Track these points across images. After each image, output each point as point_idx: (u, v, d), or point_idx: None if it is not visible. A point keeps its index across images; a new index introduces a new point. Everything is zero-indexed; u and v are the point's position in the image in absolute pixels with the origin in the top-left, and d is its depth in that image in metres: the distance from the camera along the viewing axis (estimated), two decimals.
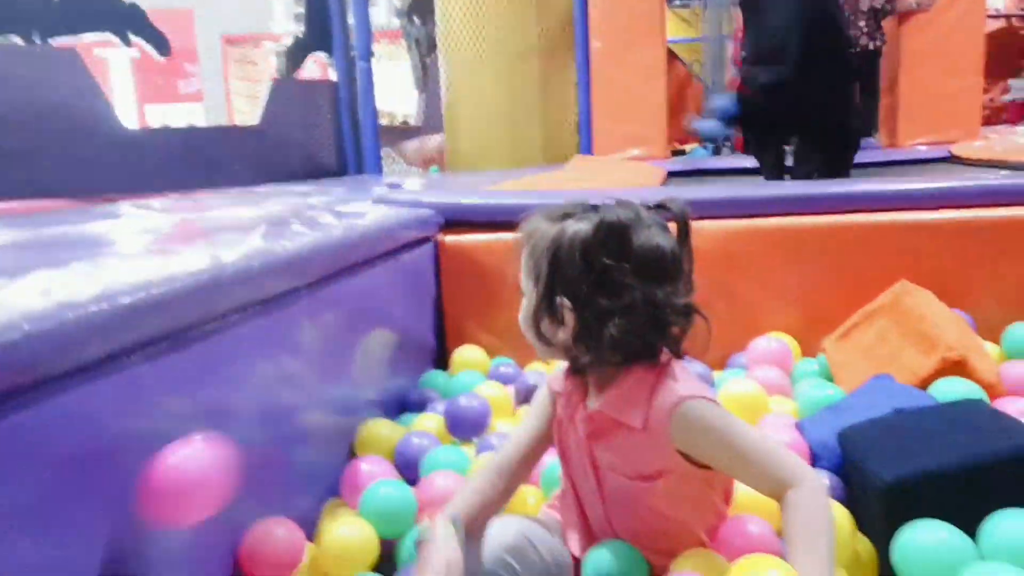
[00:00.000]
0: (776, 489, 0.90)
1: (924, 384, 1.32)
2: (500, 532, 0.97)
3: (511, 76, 6.05)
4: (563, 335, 0.93)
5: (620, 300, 0.89)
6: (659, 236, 0.92)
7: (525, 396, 1.62)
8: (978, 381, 1.31)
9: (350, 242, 1.48)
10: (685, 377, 0.94)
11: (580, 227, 0.92)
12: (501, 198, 1.94)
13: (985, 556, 0.87)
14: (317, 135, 5.73)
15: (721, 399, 1.45)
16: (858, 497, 1.06)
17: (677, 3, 10.26)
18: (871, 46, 5.10)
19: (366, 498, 1.19)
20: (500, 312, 1.89)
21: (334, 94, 5.80)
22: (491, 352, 1.86)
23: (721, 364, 1.74)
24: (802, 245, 1.78)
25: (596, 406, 0.96)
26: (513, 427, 1.44)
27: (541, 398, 1.07)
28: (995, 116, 13.11)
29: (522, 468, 1.08)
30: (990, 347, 1.55)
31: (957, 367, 1.31)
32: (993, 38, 10.99)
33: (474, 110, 6.24)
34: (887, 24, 5.20)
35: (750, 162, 3.97)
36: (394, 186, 3.43)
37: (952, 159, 4.45)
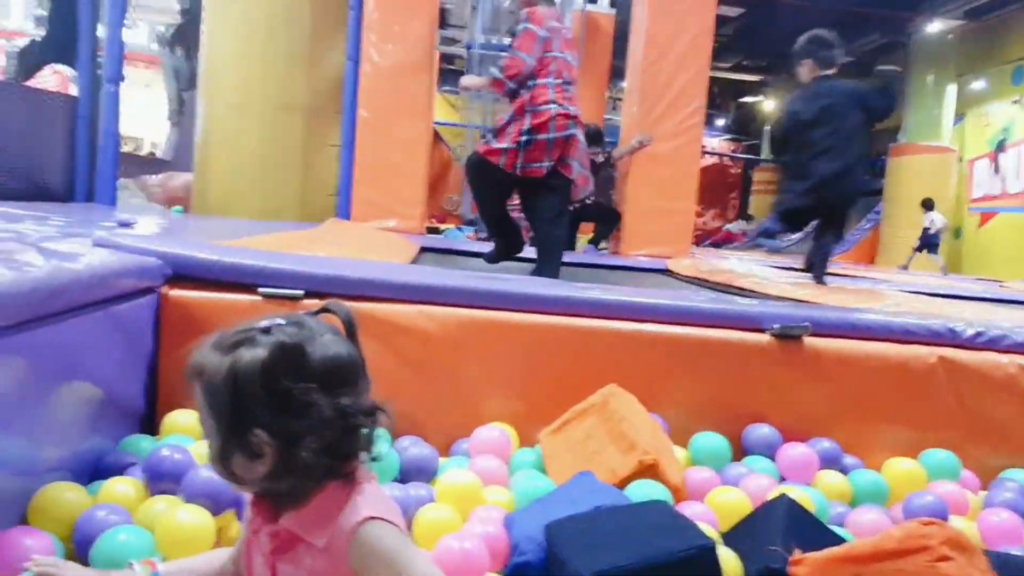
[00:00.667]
0: None
1: (622, 483, 1.45)
2: None
3: (274, 126, 5.91)
4: (262, 468, 0.89)
5: (310, 419, 0.88)
6: (334, 344, 0.92)
7: None
8: (666, 483, 1.46)
9: (55, 286, 1.32)
10: (375, 497, 0.93)
11: (255, 353, 0.88)
12: (239, 256, 1.84)
13: None
14: (45, 152, 5.11)
15: (440, 488, 1.48)
16: None
17: (446, 88, 10.74)
18: None
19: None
20: None
21: (72, 110, 5.25)
22: None
23: (446, 449, 1.77)
24: (529, 340, 1.88)
25: (284, 523, 0.93)
26: None
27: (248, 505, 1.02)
28: (706, 236, 15.20)
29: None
30: (679, 451, 1.75)
31: (650, 469, 1.46)
32: (706, 172, 12.78)
33: (230, 154, 5.97)
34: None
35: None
36: (124, 223, 3.14)
37: (667, 272, 5.05)
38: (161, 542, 1.23)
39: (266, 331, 0.91)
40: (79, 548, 1.25)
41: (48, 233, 2.28)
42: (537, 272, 3.42)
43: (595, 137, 5.89)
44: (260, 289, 1.77)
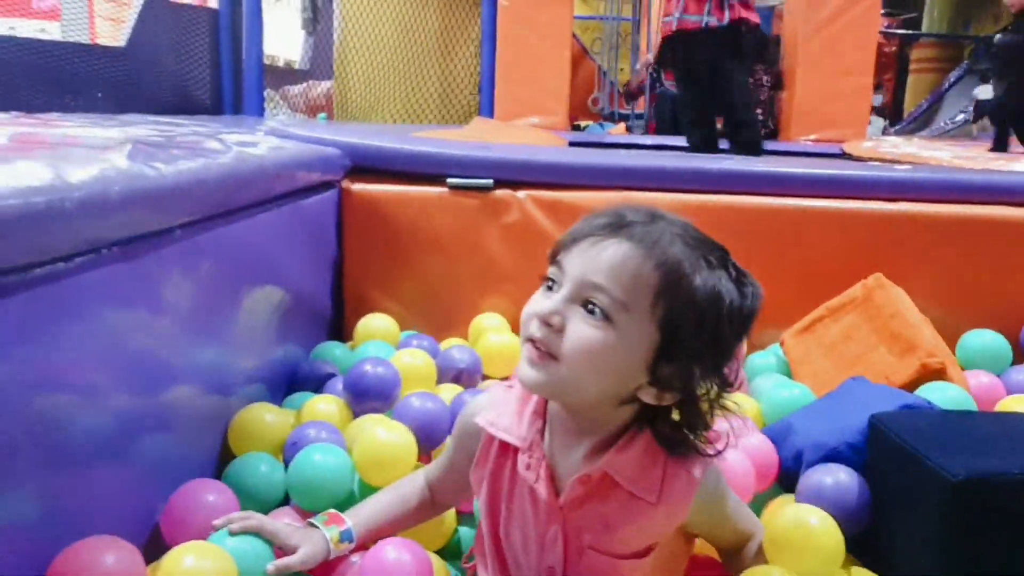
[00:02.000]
0: (737, 544, 0.88)
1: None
2: None
3: (410, 26, 5.73)
4: (648, 397, 0.73)
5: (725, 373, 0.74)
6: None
7: (453, 376, 1.38)
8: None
9: (241, 176, 1.17)
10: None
11: (730, 288, 0.72)
12: (423, 145, 1.66)
13: None
14: (192, 66, 5.15)
15: None
16: (894, 496, 0.89)
17: None
18: None
19: None
20: (412, 278, 1.63)
21: (214, 22, 5.24)
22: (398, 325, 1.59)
23: None
24: (738, 223, 1.61)
25: (594, 468, 0.75)
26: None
27: (468, 433, 0.85)
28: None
29: (444, 500, 0.94)
30: None
31: (936, 375, 1.18)
32: None
33: (368, 58, 5.87)
34: None
35: (648, 140, 3.85)
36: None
37: (844, 155, 4.53)
38: (360, 463, 1.07)
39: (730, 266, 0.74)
40: None
41: (213, 131, 2.19)
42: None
43: (762, 45, 4.71)
44: (449, 180, 1.58)
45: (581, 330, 0.69)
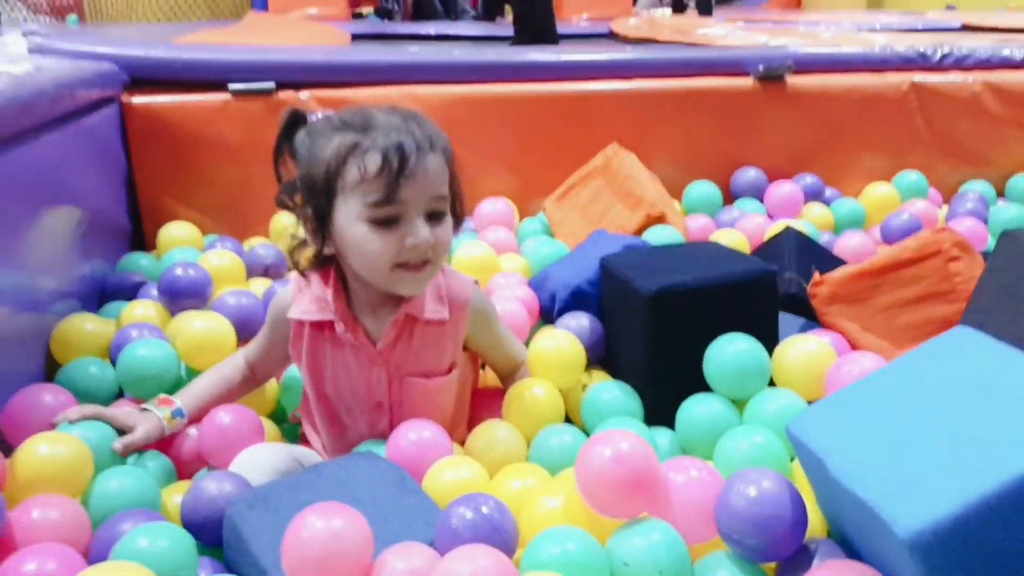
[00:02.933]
0: (512, 367, 1.12)
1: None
2: (268, 455, 0.96)
3: None
4: None
5: None
6: None
7: (262, 271, 1.52)
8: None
9: (19, 101, 1.20)
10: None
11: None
12: (201, 52, 1.70)
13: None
14: None
15: (456, 264, 1.50)
16: (617, 315, 1.17)
17: None
18: None
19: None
20: (206, 185, 1.71)
21: None
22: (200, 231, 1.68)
23: None
24: (517, 111, 1.84)
25: (399, 312, 0.97)
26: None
27: (280, 321, 1.03)
28: None
29: (264, 374, 1.12)
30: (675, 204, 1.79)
31: (658, 221, 1.49)
32: None
33: None
34: None
35: (425, 29, 3.94)
36: (33, 35, 2.83)
37: (611, 35, 4.87)
38: (184, 352, 1.20)
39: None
40: None
41: None
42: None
43: None
44: (231, 85, 1.65)
45: (444, 234, 0.93)
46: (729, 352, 1.01)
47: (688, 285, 1.06)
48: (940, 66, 2.07)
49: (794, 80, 1.97)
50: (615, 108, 1.89)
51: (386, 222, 0.90)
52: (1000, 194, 2.03)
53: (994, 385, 0.67)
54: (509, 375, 1.14)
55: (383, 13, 6.57)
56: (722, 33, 3.55)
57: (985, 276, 0.98)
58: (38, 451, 0.91)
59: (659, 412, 1.06)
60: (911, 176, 1.98)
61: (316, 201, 0.92)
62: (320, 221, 0.93)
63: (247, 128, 1.69)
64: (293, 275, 1.02)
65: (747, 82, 1.96)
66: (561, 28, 5.15)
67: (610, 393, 1.08)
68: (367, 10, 7.07)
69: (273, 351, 1.07)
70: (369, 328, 0.99)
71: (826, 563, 0.70)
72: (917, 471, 0.62)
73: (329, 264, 0.98)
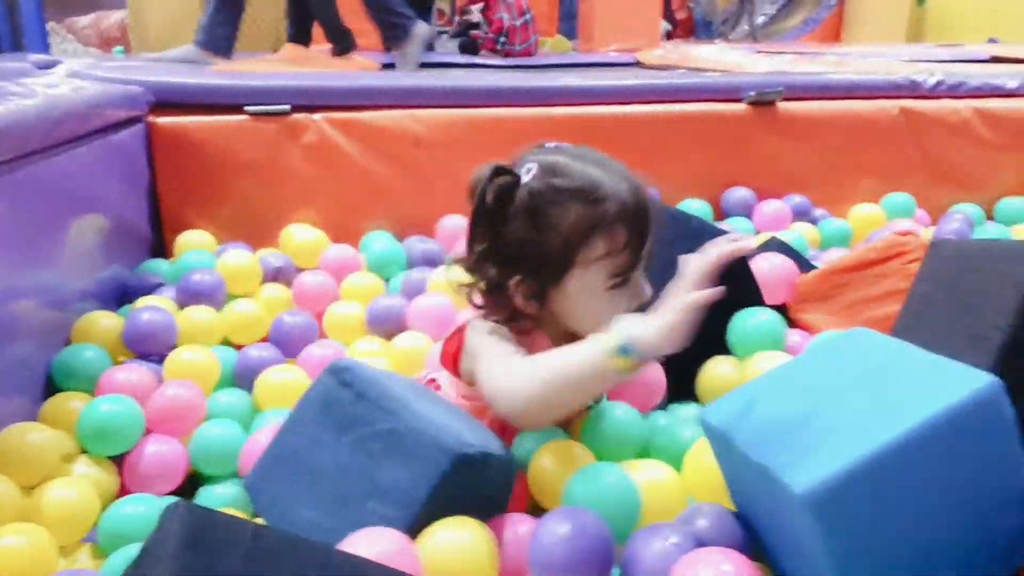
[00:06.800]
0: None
1: None
2: None
3: None
4: None
5: None
6: None
7: (272, 275, 1.62)
8: None
9: (53, 118, 1.34)
10: None
11: None
12: (220, 78, 1.84)
13: None
14: None
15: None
16: None
17: None
18: None
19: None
20: (224, 200, 1.83)
21: None
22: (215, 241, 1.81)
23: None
24: (514, 133, 1.94)
25: None
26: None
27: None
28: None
29: None
30: None
31: None
32: None
33: None
34: None
35: (463, 59, 4.09)
36: (45, 66, 3.03)
37: (638, 64, 4.99)
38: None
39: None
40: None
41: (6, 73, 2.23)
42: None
43: None
44: (247, 108, 1.79)
45: None
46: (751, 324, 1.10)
47: None
48: (932, 93, 2.13)
49: (785, 106, 2.05)
50: (612, 132, 1.99)
51: (623, 284, 0.91)
52: (990, 217, 2.07)
53: (883, 370, 0.73)
54: None
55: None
56: (740, 62, 3.65)
57: (913, 284, 1.04)
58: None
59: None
60: (899, 197, 2.03)
61: (545, 270, 0.89)
62: (542, 289, 0.91)
63: (262, 147, 1.82)
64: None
65: (740, 107, 2.05)
66: (590, 58, 5.31)
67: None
68: None
69: None
70: None
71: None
72: (812, 440, 0.68)
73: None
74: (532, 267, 0.90)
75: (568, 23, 6.28)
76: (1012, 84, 2.16)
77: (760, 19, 8.53)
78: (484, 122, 1.94)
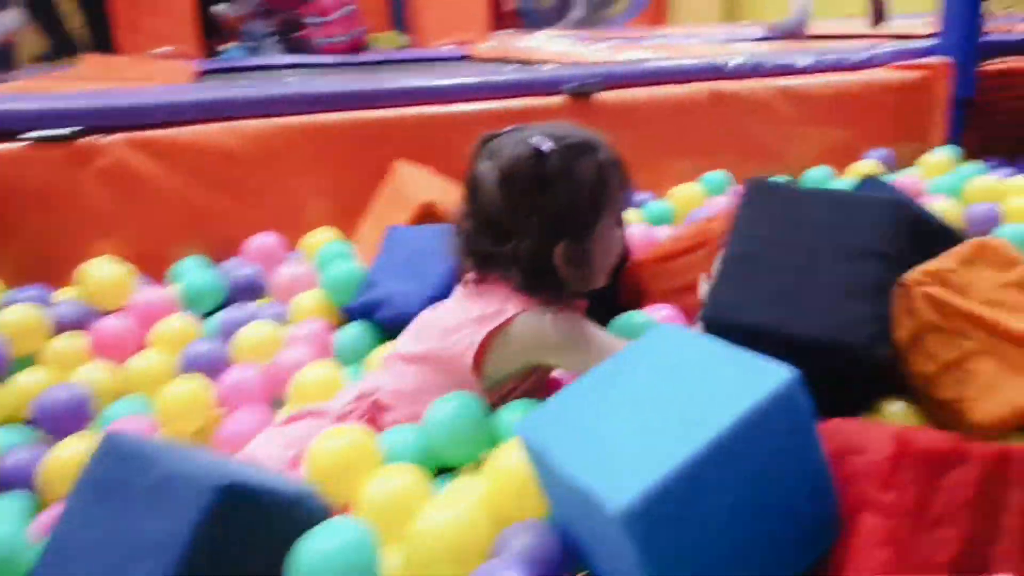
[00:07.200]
0: None
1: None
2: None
3: None
4: None
5: None
6: None
7: (66, 324, 1.44)
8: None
9: None
10: None
11: None
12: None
13: None
14: None
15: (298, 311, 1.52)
16: None
17: None
18: None
19: None
20: (9, 240, 1.66)
21: None
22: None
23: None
24: (339, 139, 1.88)
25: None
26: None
27: None
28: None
29: None
30: None
31: (428, 208, 1.53)
32: None
33: None
34: None
35: (289, 59, 3.94)
36: None
37: (469, 57, 4.98)
38: None
39: None
40: None
41: None
42: None
43: None
44: (25, 135, 1.62)
45: None
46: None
47: None
48: (735, 74, 2.24)
49: (603, 96, 2.10)
50: (434, 132, 1.96)
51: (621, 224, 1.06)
52: None
53: (687, 370, 0.73)
54: None
55: (249, 47, 6.45)
56: (566, 51, 3.72)
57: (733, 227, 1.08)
58: None
59: None
60: (716, 175, 2.13)
61: (584, 228, 0.98)
62: (586, 249, 0.99)
63: (49, 177, 1.66)
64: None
65: (559, 100, 2.07)
66: (421, 53, 5.27)
67: None
68: (225, 47, 6.94)
69: None
70: None
71: None
72: (623, 453, 0.67)
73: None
74: (573, 228, 0.97)
75: (399, 18, 6.20)
76: (803, 62, 2.30)
77: (582, 9, 8.77)
78: (304, 130, 1.86)
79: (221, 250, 1.76)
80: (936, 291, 0.96)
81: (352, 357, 1.35)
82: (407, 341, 1.07)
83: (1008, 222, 1.77)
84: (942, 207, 1.75)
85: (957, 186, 1.98)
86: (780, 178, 2.16)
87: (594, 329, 1.01)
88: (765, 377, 0.66)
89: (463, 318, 1.00)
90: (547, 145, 0.96)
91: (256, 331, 1.38)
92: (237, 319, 1.46)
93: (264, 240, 1.74)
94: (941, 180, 2.04)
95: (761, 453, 0.65)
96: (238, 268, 1.64)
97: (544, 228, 0.96)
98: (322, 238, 1.76)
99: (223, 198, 1.81)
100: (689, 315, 1.24)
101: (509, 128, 1.04)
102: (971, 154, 2.34)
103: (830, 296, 0.96)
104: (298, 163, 1.87)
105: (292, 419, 1.05)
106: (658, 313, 1.24)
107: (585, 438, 0.71)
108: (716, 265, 1.06)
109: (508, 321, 0.97)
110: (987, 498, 0.65)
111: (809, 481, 0.69)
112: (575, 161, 0.97)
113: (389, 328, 1.31)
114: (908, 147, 2.35)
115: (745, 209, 1.09)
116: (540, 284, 0.98)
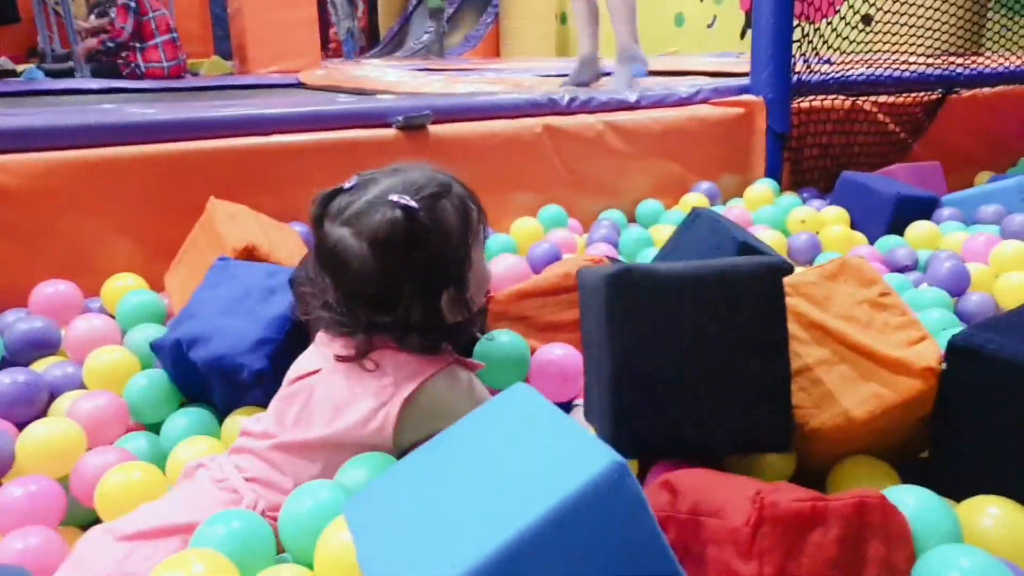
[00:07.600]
0: None
1: None
2: None
3: None
4: None
5: None
6: None
7: None
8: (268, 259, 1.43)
9: None
10: None
11: None
12: None
13: None
14: None
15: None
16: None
17: None
18: None
19: None
20: None
21: None
22: None
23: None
24: (147, 174, 1.69)
25: None
26: None
27: None
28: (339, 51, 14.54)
29: None
30: None
31: (246, 252, 1.41)
32: None
33: None
34: None
35: (94, 83, 3.61)
36: None
37: (300, 85, 4.79)
38: None
39: None
40: None
41: None
42: None
43: None
44: None
45: None
46: None
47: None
48: (568, 109, 2.25)
49: (436, 129, 2.03)
50: (258, 163, 1.82)
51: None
52: (631, 220, 2.24)
53: (519, 446, 0.66)
54: None
55: (55, 71, 5.89)
56: (400, 81, 3.64)
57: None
58: None
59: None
60: (552, 209, 2.11)
61: (461, 270, 0.94)
62: (465, 290, 0.95)
63: None
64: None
65: (391, 132, 1.98)
66: (249, 80, 5.01)
67: None
68: (23, 67, 6.31)
69: None
70: None
71: None
72: (432, 545, 0.60)
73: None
74: (453, 275, 0.94)
75: (223, 44, 5.89)
76: (633, 98, 2.35)
77: (422, 39, 8.78)
78: (94, 165, 1.65)
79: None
80: (793, 301, 0.97)
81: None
82: (290, 427, 0.93)
83: (827, 251, 1.87)
84: (768, 237, 1.82)
85: (780, 217, 2.07)
86: (608, 212, 2.19)
87: (479, 384, 1.00)
88: (586, 463, 0.58)
89: (359, 391, 0.91)
90: (411, 203, 0.90)
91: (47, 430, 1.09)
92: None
93: (56, 288, 1.52)
94: (763, 211, 2.13)
95: (584, 546, 0.57)
96: (18, 321, 1.41)
97: (427, 285, 0.93)
98: (123, 285, 1.56)
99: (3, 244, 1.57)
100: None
101: (348, 183, 0.95)
102: (789, 185, 2.48)
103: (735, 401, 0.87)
104: (90, 202, 1.66)
105: (137, 535, 0.83)
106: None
107: (396, 529, 0.66)
108: (596, 388, 0.95)
109: (419, 387, 0.92)
110: (849, 554, 0.62)
111: (645, 567, 0.60)
112: (438, 209, 0.93)
113: (203, 371, 1.15)
114: (732, 179, 2.45)
115: (616, 314, 0.88)
116: (437, 340, 0.95)
